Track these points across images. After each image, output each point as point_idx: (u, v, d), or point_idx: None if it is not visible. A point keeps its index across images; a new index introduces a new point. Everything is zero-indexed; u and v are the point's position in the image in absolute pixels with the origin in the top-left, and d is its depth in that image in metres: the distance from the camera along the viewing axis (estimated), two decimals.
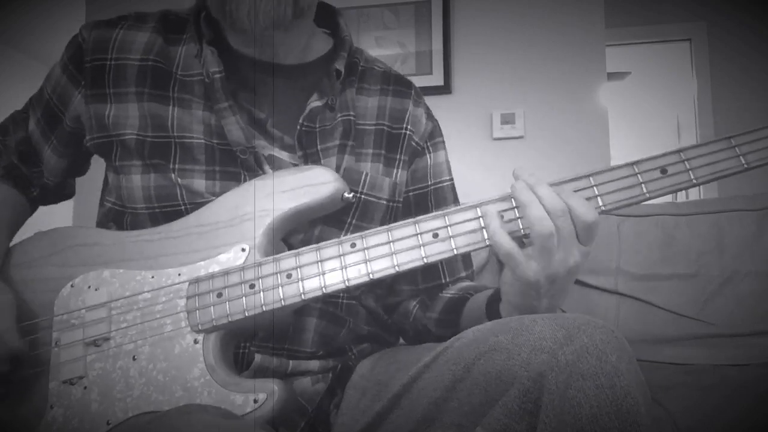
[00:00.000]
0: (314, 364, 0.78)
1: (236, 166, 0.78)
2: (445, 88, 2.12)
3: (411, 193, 0.89)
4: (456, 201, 0.93)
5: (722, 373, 1.30)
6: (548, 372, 0.53)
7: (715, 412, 1.08)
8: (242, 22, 0.73)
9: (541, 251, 0.61)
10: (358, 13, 2.22)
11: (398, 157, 0.86)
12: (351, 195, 0.74)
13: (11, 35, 4.16)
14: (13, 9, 3.73)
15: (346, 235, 0.79)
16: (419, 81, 2.24)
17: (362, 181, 0.82)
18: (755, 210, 1.49)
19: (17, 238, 0.82)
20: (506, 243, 0.62)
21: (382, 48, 2.19)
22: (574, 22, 2.11)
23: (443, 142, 0.94)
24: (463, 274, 0.91)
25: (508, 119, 2.10)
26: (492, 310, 0.72)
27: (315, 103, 0.79)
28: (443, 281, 0.89)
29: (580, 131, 2.06)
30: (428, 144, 0.91)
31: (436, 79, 2.13)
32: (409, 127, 0.88)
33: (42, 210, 0.96)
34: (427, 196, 0.90)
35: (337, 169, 0.80)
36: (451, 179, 0.93)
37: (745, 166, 0.63)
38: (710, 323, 1.40)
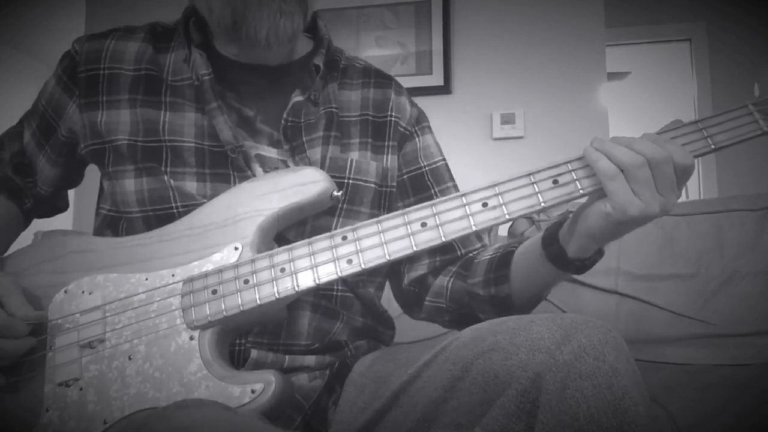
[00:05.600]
0: (311, 360, 0.78)
1: (226, 167, 0.80)
2: (445, 89, 2.12)
3: (405, 176, 0.91)
4: (452, 179, 0.94)
5: (722, 373, 1.30)
6: (546, 372, 0.53)
7: (715, 412, 1.07)
8: (260, 41, 0.77)
9: (639, 185, 0.62)
10: (358, 13, 2.22)
11: (386, 143, 0.89)
12: (339, 193, 0.76)
13: (11, 35, 4.16)
14: (13, 9, 3.73)
15: (337, 220, 0.83)
16: (419, 81, 2.26)
17: (348, 167, 0.84)
18: (755, 210, 1.48)
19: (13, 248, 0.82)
20: (612, 165, 0.63)
21: (382, 48, 2.19)
22: (574, 22, 2.11)
23: (430, 127, 0.96)
24: (478, 245, 0.92)
25: (508, 119, 2.10)
26: (549, 242, 0.73)
27: (297, 98, 0.82)
28: (459, 254, 0.90)
29: (580, 131, 2.06)
30: (416, 128, 0.93)
31: (436, 79, 2.13)
32: (393, 114, 0.90)
33: (42, 222, 0.96)
34: (423, 177, 0.91)
35: (323, 159, 0.83)
36: (444, 159, 0.94)
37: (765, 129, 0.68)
38: (710, 323, 1.39)
